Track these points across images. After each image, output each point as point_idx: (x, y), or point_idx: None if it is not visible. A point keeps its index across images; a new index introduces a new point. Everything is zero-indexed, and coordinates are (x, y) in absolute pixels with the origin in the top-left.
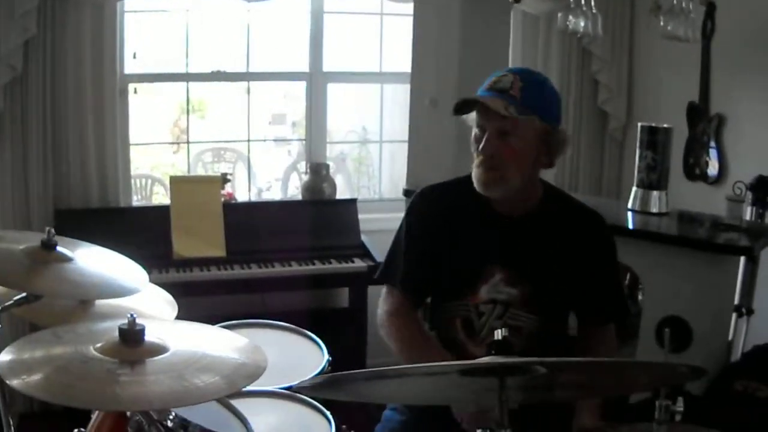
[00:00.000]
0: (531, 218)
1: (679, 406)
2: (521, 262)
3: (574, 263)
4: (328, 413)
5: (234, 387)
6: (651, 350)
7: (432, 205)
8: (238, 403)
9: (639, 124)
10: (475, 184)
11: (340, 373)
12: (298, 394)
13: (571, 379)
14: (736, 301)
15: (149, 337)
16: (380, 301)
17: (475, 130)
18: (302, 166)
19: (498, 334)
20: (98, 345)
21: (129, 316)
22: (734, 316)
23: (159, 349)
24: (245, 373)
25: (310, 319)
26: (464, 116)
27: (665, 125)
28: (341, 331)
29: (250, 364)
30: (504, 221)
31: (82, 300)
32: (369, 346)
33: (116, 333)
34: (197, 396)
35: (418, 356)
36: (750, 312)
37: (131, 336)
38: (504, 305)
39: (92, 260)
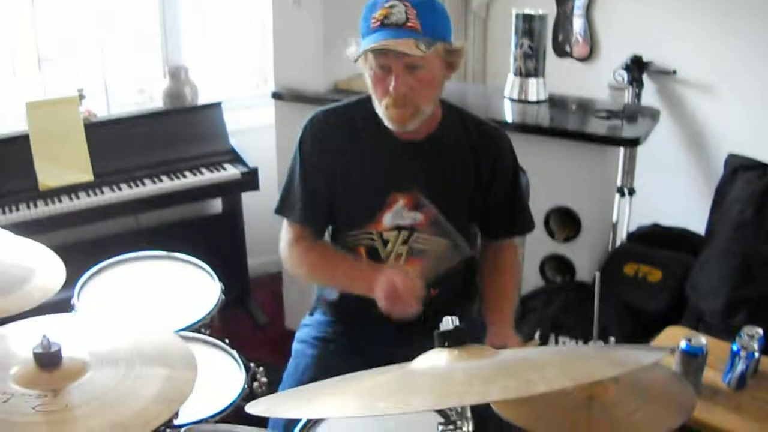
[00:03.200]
0: (432, 140)
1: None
2: (424, 186)
3: (477, 181)
4: (234, 353)
5: (173, 405)
6: (540, 240)
7: (326, 134)
8: None
9: (513, 11)
10: (388, 123)
11: None
12: (200, 335)
13: None
14: (618, 182)
15: (66, 353)
16: (281, 234)
17: (374, 70)
18: (159, 70)
19: (448, 323)
20: (13, 372)
21: (42, 337)
22: (617, 197)
23: (79, 369)
24: (179, 383)
25: (185, 231)
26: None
27: (540, 12)
28: (218, 238)
29: (179, 373)
30: (404, 145)
31: None
32: (249, 247)
33: (28, 351)
34: (140, 426)
35: (331, 272)
36: (632, 192)
37: (48, 360)
38: (409, 230)
39: None
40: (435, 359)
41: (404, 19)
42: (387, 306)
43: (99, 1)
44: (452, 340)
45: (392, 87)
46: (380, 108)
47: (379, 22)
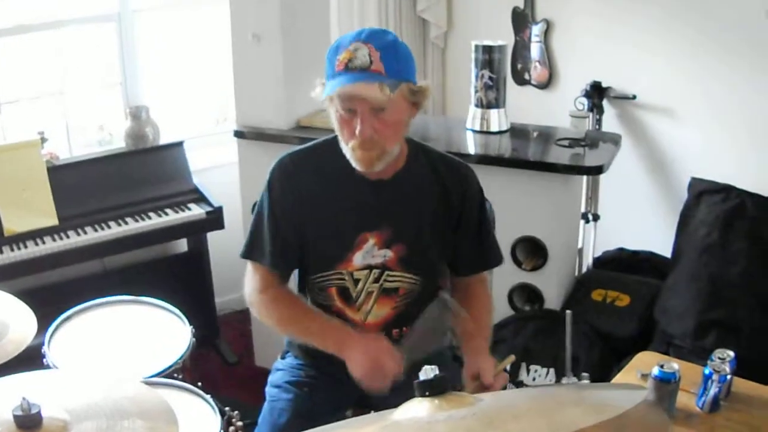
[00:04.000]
0: (399, 178)
1: (585, 379)
2: (393, 224)
3: (446, 217)
4: (209, 398)
5: None
6: (507, 270)
7: (293, 177)
8: None
9: (473, 43)
10: (355, 165)
11: None
12: (175, 381)
13: None
14: (582, 208)
15: (45, 412)
16: (246, 278)
17: (340, 113)
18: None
19: (428, 373)
20: None
21: (22, 399)
22: (582, 223)
23: (60, 429)
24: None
25: (152, 271)
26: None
27: (500, 42)
28: (185, 277)
29: (161, 427)
30: (372, 185)
31: None
32: (215, 285)
33: (6, 412)
34: None
35: (301, 327)
36: (596, 218)
37: (28, 421)
38: (380, 269)
39: None
40: (415, 410)
41: (368, 62)
42: (365, 381)
43: (58, 42)
44: (432, 389)
45: (358, 131)
46: (347, 150)
47: (343, 65)
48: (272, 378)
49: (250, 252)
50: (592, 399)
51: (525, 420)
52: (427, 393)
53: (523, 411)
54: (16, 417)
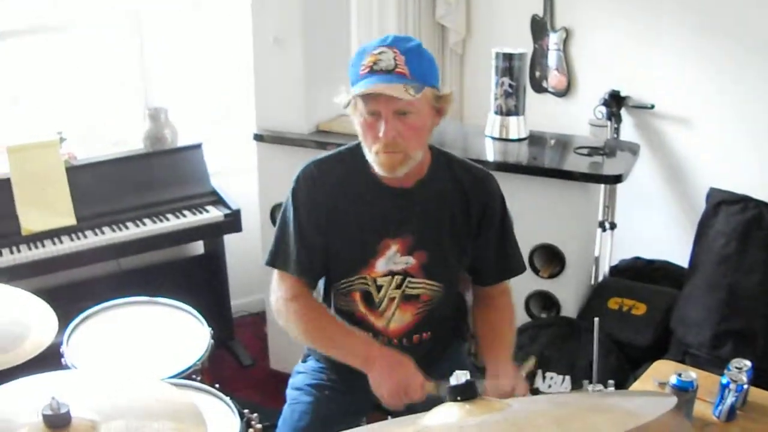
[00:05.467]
0: (422, 185)
1: (611, 387)
2: (416, 232)
3: (468, 225)
4: (228, 400)
5: None
6: (525, 277)
7: (318, 185)
8: None
9: (493, 51)
10: (378, 169)
11: None
12: (194, 383)
13: None
14: (599, 217)
15: (74, 412)
16: (272, 285)
17: (364, 116)
18: (139, 111)
19: (459, 378)
20: None
21: (51, 399)
22: (599, 231)
23: (88, 428)
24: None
25: (168, 273)
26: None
27: (521, 50)
28: (201, 279)
29: (189, 428)
30: (395, 192)
31: None
32: (231, 287)
33: (35, 412)
34: None
35: (327, 339)
36: (613, 226)
37: (58, 421)
38: (402, 275)
39: None
40: (447, 414)
41: (393, 65)
42: (386, 401)
43: (78, 42)
44: (464, 394)
45: (382, 132)
46: (370, 154)
47: (368, 69)
48: (293, 381)
49: (275, 259)
50: (620, 405)
51: (556, 426)
52: (458, 398)
53: (554, 417)
54: (45, 416)
